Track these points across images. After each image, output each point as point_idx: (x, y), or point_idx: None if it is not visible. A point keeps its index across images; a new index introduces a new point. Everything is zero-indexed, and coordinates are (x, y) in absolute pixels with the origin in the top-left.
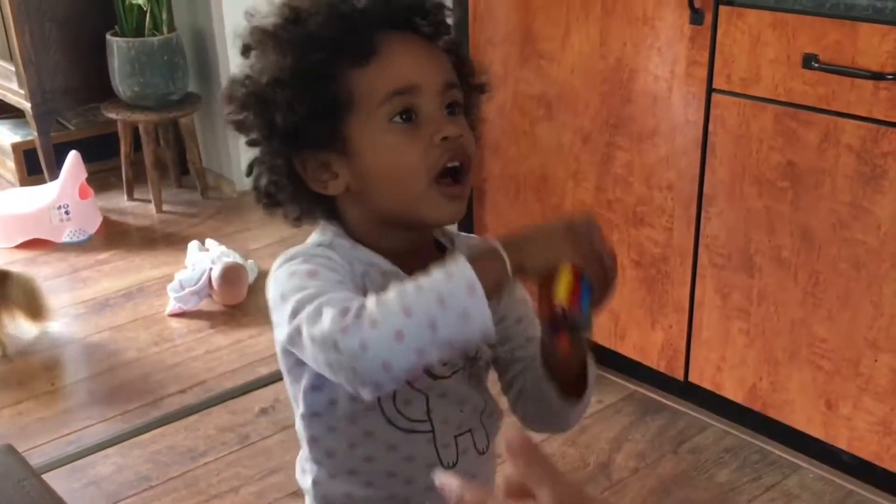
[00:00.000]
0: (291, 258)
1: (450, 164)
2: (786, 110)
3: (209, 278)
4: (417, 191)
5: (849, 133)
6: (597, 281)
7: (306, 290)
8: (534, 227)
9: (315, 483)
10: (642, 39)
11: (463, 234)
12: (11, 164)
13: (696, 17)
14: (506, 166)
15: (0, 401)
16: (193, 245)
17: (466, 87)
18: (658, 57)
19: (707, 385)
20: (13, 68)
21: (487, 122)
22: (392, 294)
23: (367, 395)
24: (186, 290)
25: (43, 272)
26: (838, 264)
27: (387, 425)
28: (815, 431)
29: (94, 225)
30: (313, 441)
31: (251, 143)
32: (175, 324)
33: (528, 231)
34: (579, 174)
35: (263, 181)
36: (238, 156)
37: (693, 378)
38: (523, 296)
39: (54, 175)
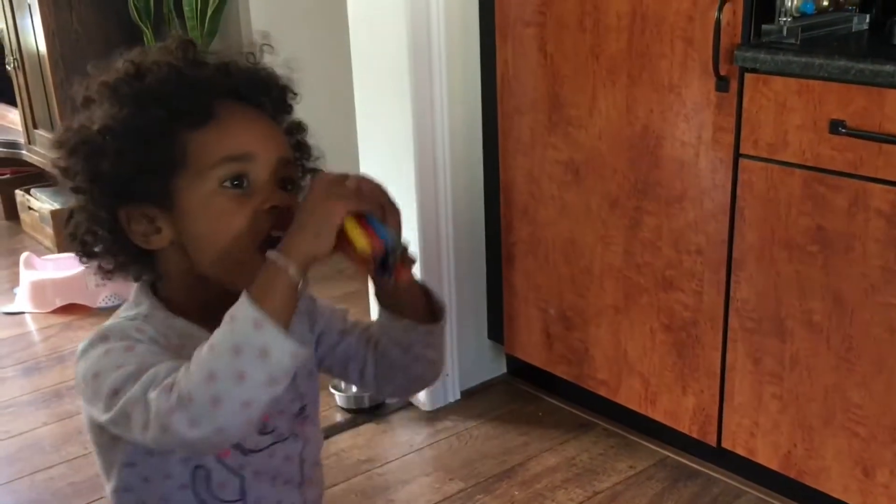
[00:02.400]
0: (103, 338)
1: (275, 234)
2: (814, 175)
3: None
4: (240, 257)
5: (878, 197)
6: (377, 209)
7: (125, 366)
8: (298, 213)
9: None
10: (668, 106)
11: None
12: (50, 231)
13: (722, 84)
14: (535, 230)
15: (32, 465)
16: None
17: (302, 168)
18: (684, 123)
19: (741, 451)
20: None
21: (516, 186)
22: (194, 362)
23: (211, 455)
24: None
25: (78, 336)
26: (871, 329)
27: None
28: (853, 500)
29: (129, 290)
30: None
31: (74, 190)
32: None
33: (296, 220)
34: (607, 238)
35: (81, 230)
36: None
37: (726, 444)
38: (322, 303)
39: None
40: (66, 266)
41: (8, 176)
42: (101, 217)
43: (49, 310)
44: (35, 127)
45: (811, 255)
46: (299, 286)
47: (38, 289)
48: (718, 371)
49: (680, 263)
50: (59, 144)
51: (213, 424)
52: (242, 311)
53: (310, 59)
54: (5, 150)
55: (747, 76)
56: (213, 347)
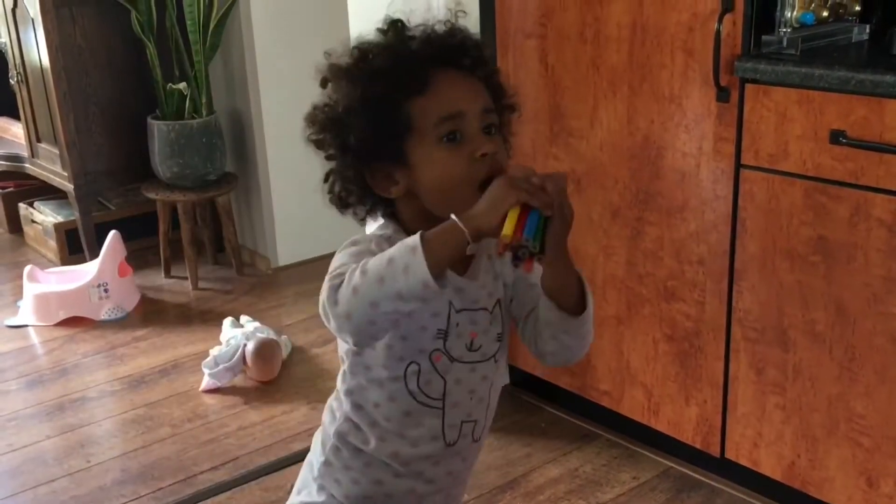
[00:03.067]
0: (354, 242)
1: (488, 175)
2: (815, 185)
3: (243, 354)
4: (462, 197)
5: (879, 207)
6: (545, 207)
7: (346, 264)
8: (489, 188)
9: (339, 430)
10: (669, 117)
11: None
12: (53, 244)
13: (723, 94)
14: None
15: (35, 479)
16: (228, 321)
17: (500, 108)
18: (685, 134)
19: (744, 462)
20: (57, 151)
21: None
22: (364, 260)
23: (351, 342)
24: (221, 367)
25: (81, 349)
26: (874, 338)
27: (407, 395)
28: None
29: (132, 302)
30: (348, 393)
31: (329, 158)
32: (209, 400)
33: (485, 193)
34: (609, 248)
35: (337, 188)
36: (273, 233)
37: (729, 454)
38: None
39: (95, 254)
40: (69, 279)
41: (11, 189)
42: (350, 176)
43: (52, 323)
44: (38, 140)
45: (813, 264)
46: (468, 247)
47: (42, 302)
48: (721, 381)
49: (682, 274)
50: (311, 121)
51: (347, 307)
52: (412, 239)
53: (313, 71)
54: (9, 163)
55: (748, 87)
56: (381, 254)
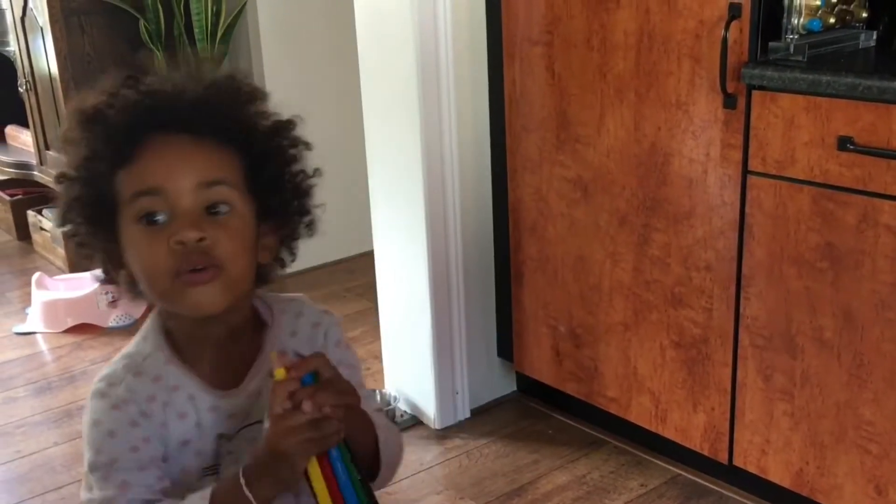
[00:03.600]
0: (103, 395)
1: (190, 269)
2: (822, 192)
3: None
4: (163, 288)
5: (887, 214)
6: (339, 438)
7: (97, 459)
8: (264, 448)
9: None
10: (676, 124)
11: (284, 296)
12: (62, 251)
13: (729, 101)
14: (543, 248)
15: (43, 486)
16: None
17: (266, 177)
18: (692, 140)
19: (752, 469)
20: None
21: (524, 204)
22: None
23: None
24: None
25: (89, 356)
26: (882, 345)
27: None
28: None
29: (139, 309)
30: None
31: (67, 236)
32: None
33: (263, 455)
34: (616, 255)
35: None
36: None
37: (738, 461)
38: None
39: None
40: (77, 286)
41: (20, 196)
42: (99, 258)
43: (60, 329)
44: (47, 148)
45: (821, 271)
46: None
47: (50, 309)
48: (729, 388)
49: (689, 280)
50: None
51: None
52: None
53: (319, 79)
54: (17, 170)
55: (755, 93)
56: None
